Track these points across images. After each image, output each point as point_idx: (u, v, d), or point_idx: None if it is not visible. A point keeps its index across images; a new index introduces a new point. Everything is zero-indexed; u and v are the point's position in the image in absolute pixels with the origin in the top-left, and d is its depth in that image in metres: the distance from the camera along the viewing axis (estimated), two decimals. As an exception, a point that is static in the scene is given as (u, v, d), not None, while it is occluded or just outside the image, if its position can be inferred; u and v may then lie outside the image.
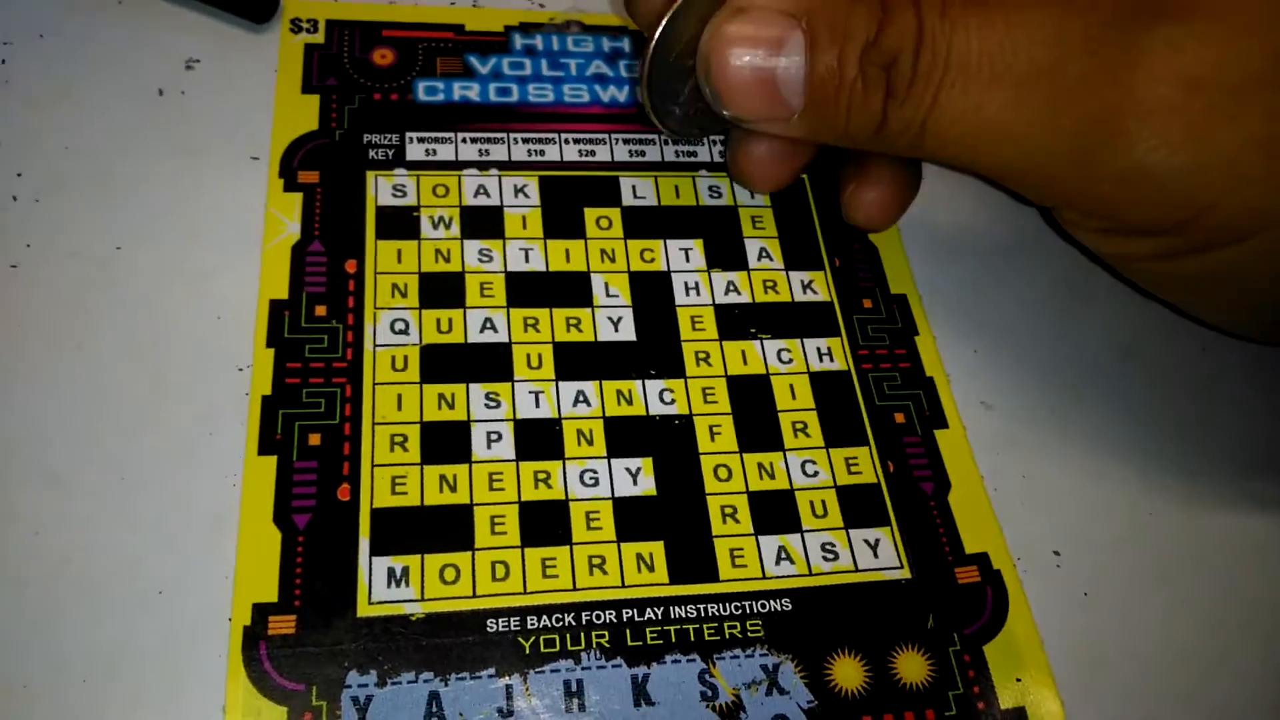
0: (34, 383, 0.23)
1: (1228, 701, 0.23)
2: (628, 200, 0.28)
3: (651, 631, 0.22)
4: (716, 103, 0.24)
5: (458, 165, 0.27)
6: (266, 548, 0.22)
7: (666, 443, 0.24)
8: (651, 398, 0.25)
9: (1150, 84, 0.19)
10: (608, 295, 0.26)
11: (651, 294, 0.26)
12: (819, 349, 0.26)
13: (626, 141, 0.29)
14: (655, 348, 0.25)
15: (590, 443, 0.24)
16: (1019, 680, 0.22)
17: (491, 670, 0.21)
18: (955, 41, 0.21)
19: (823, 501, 0.24)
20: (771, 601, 0.23)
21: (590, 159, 0.28)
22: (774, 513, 0.24)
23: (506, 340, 0.25)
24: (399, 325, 0.25)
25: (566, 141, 0.29)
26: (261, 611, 0.21)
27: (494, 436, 0.24)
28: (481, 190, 0.27)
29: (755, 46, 0.22)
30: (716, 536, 0.23)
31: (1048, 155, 0.21)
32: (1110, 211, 0.22)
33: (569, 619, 0.22)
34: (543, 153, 0.28)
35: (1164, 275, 0.24)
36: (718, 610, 0.22)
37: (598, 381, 0.25)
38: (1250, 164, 0.20)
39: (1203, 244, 0.22)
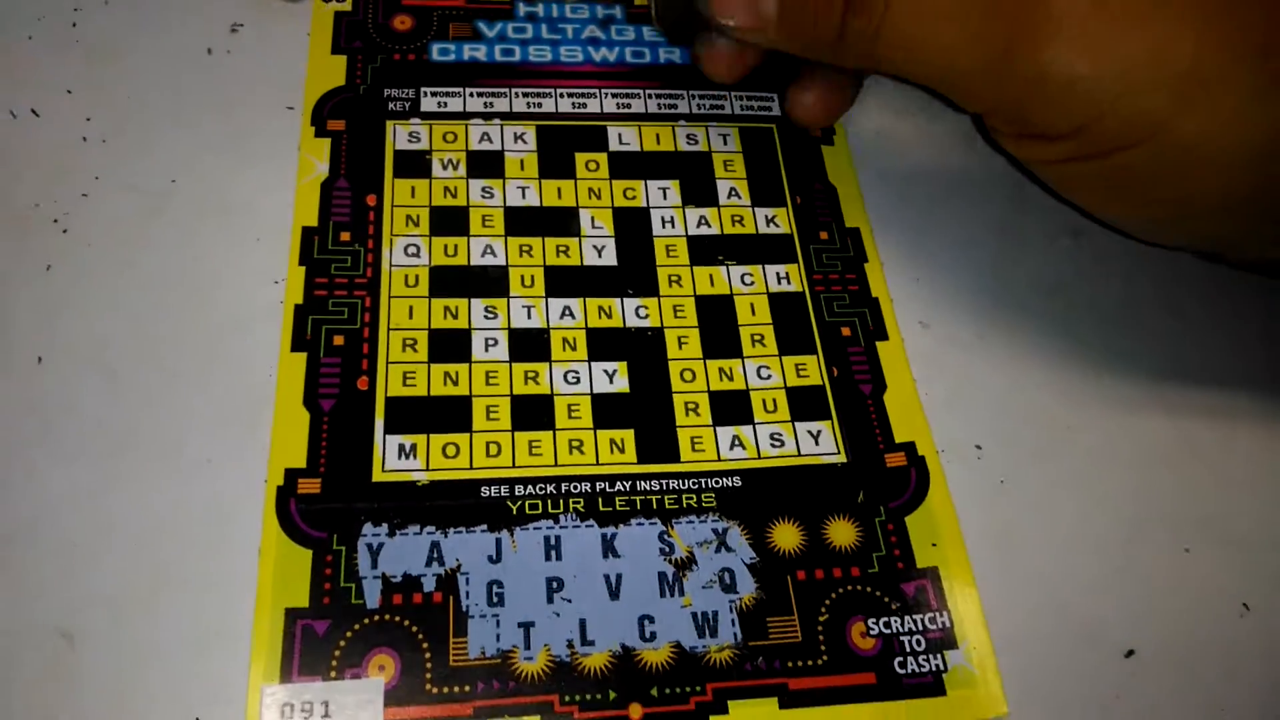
0: (98, 292, 0.27)
1: (1124, 566, 0.27)
2: (614, 146, 0.32)
3: (620, 500, 0.26)
4: (709, 10, 0.28)
5: (465, 116, 0.32)
6: (297, 426, 0.26)
7: (640, 350, 0.28)
8: (628, 313, 0.29)
9: (1064, 1, 0.22)
10: (593, 227, 0.30)
11: (632, 226, 0.30)
12: (778, 273, 0.30)
13: (614, 96, 0.33)
14: (633, 271, 0.29)
15: (574, 349, 0.28)
16: (934, 545, 0.26)
17: (484, 526, 0.25)
18: None
19: (774, 399, 0.28)
20: (724, 479, 0.27)
21: (582, 110, 0.32)
22: (730, 408, 0.28)
23: (504, 263, 0.29)
24: (411, 249, 0.29)
25: (561, 96, 0.33)
26: (292, 475, 0.25)
27: (491, 342, 0.28)
28: (485, 137, 0.31)
29: None
30: (679, 426, 0.27)
31: (976, 62, 0.24)
32: (1022, 114, 0.25)
33: (550, 488, 0.26)
34: (540, 105, 0.32)
35: (1071, 178, 0.27)
36: (678, 485, 0.26)
37: (582, 299, 0.29)
38: (1140, 75, 0.22)
39: (1103, 148, 0.24)
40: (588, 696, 0.23)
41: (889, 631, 0.25)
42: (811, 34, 0.26)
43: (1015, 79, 0.24)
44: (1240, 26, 0.22)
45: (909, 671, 0.24)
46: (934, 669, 0.25)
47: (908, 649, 0.25)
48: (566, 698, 0.23)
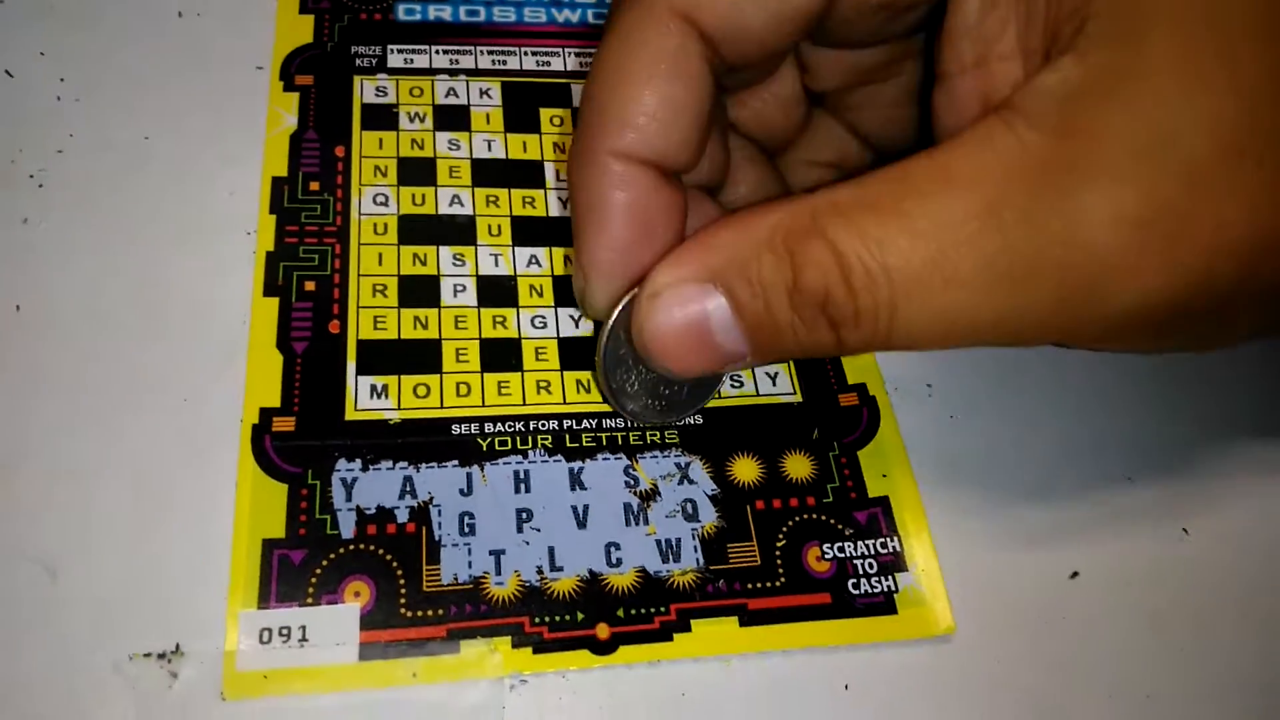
0: (75, 244, 0.28)
1: (1069, 494, 0.28)
2: (577, 103, 0.33)
3: (586, 436, 0.27)
4: (668, 373, 0.23)
5: (431, 72, 0.32)
6: (270, 367, 0.27)
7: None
8: (593, 261, 0.30)
9: (1105, 238, 0.18)
10: (559, 180, 0.31)
11: (595, 178, 0.31)
12: (736, 223, 0.31)
13: (577, 55, 0.34)
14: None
15: (540, 295, 0.29)
16: (885, 476, 0.28)
17: (455, 461, 0.26)
18: (890, 259, 0.19)
19: (733, 342, 0.29)
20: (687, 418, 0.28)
21: (546, 69, 0.33)
22: (692, 350, 0.29)
23: (471, 213, 0.30)
24: (380, 198, 0.30)
25: (526, 54, 0.34)
26: (266, 414, 0.26)
27: (459, 288, 0.29)
28: (452, 92, 0.32)
29: (681, 311, 0.22)
30: (643, 367, 0.28)
31: (1030, 329, 0.20)
32: (1101, 347, 0.21)
33: (519, 426, 0.27)
34: (505, 63, 0.33)
35: (1146, 350, 0.25)
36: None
37: (548, 248, 0.30)
38: (1212, 268, 0.19)
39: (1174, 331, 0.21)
40: (557, 618, 0.24)
41: (843, 555, 0.26)
42: (802, 353, 0.22)
43: (1089, 328, 0.20)
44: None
45: (862, 592, 0.26)
46: (885, 590, 0.26)
47: (860, 571, 0.26)
48: (536, 619, 0.24)
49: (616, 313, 0.23)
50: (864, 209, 0.19)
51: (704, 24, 0.21)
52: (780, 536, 0.26)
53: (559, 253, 0.30)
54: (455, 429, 0.26)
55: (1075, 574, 0.27)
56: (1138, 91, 0.17)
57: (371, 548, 0.24)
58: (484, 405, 0.27)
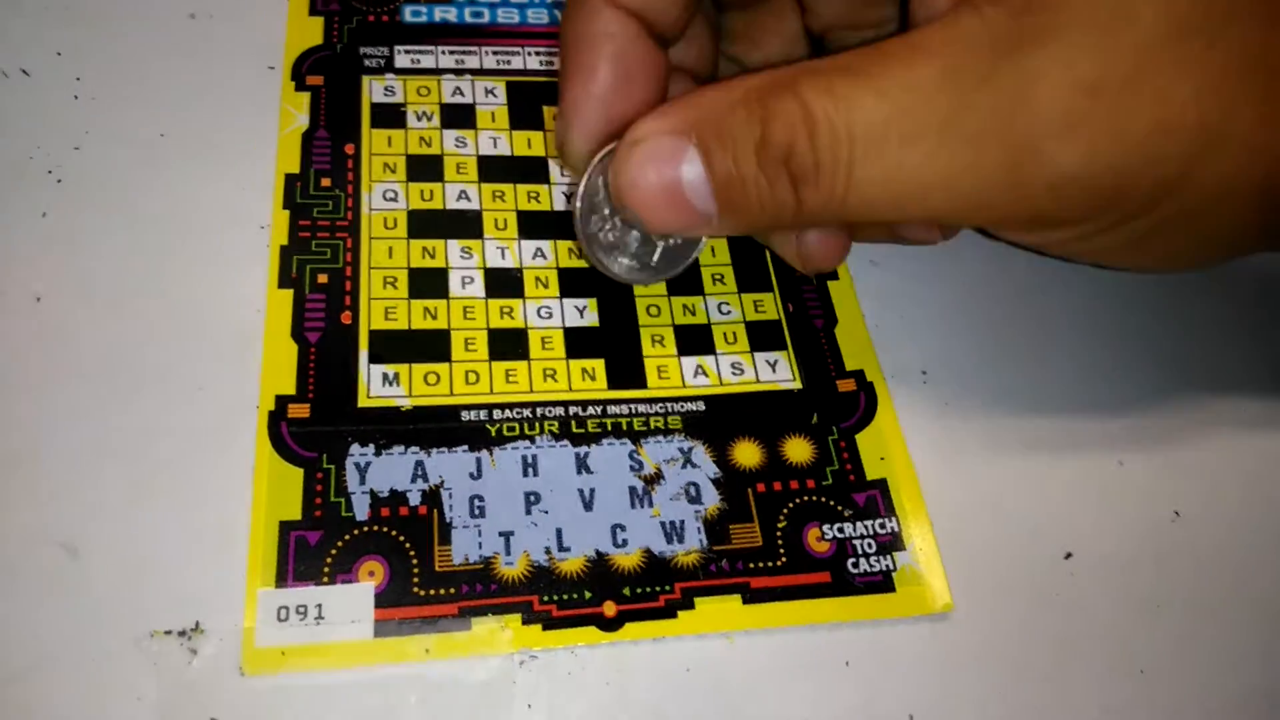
0: (92, 237, 0.29)
1: (1062, 477, 0.29)
2: (580, 101, 0.34)
3: (592, 422, 0.28)
4: (640, 224, 0.24)
5: (438, 72, 0.33)
6: (285, 356, 0.27)
7: (609, 287, 0.30)
8: (597, 254, 0.31)
9: (1055, 100, 0.20)
10: (562, 175, 0.32)
11: (599, 174, 0.32)
12: (736, 217, 0.32)
13: (580, 55, 0.35)
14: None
15: (546, 286, 0.30)
16: (883, 459, 0.28)
17: (465, 446, 0.27)
18: (855, 116, 0.20)
19: (734, 333, 0.30)
20: (689, 404, 0.29)
21: (550, 68, 0.34)
22: (694, 340, 0.30)
23: (478, 208, 0.31)
24: (390, 194, 0.31)
25: (529, 54, 0.34)
26: (282, 401, 0.27)
27: (467, 280, 0.30)
28: (458, 91, 0.33)
29: (657, 167, 0.23)
30: (646, 356, 0.29)
31: (978, 192, 0.21)
32: (1043, 218, 0.22)
33: (526, 412, 0.28)
34: (509, 62, 0.34)
35: (1084, 250, 0.26)
36: (645, 409, 0.28)
37: (554, 240, 0.31)
38: (1151, 149, 0.20)
39: (1120, 221, 0.22)
40: (565, 596, 0.25)
41: (842, 536, 0.27)
42: (764, 219, 0.23)
43: (1033, 191, 0.21)
44: (1238, 66, 0.20)
45: (861, 571, 0.26)
46: (884, 569, 0.27)
47: (859, 551, 0.27)
48: (545, 597, 0.25)
49: (595, 162, 0.25)
50: (838, 71, 0.21)
51: None
52: (781, 518, 0.27)
53: (563, 245, 0.31)
54: (465, 415, 0.27)
55: (1069, 554, 0.28)
56: None
57: (385, 529, 0.25)
58: (492, 393, 0.28)
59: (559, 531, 0.26)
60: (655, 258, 0.27)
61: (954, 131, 0.20)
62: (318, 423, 0.26)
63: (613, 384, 0.28)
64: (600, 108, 0.24)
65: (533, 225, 0.31)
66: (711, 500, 0.27)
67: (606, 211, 0.26)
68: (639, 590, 0.25)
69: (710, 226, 0.24)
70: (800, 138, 0.21)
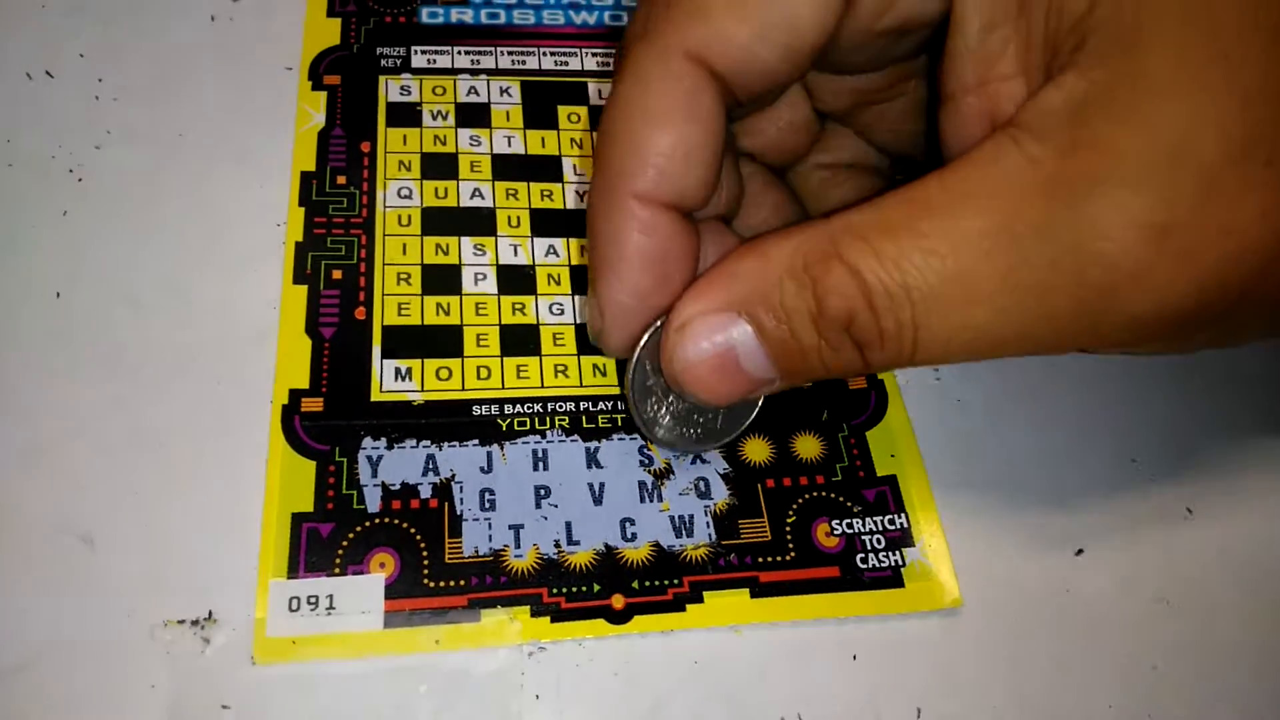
0: (112, 235, 0.29)
1: (1074, 474, 0.29)
2: (594, 100, 0.34)
3: (603, 418, 0.28)
4: (699, 401, 0.23)
5: (453, 71, 0.34)
6: (299, 351, 0.28)
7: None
8: (609, 251, 0.31)
9: (1121, 250, 0.18)
10: (575, 174, 0.32)
11: (611, 173, 0.32)
12: (748, 215, 0.32)
13: (594, 55, 0.35)
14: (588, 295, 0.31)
15: (558, 283, 0.30)
16: (893, 456, 0.28)
17: (476, 441, 0.27)
18: (910, 279, 0.19)
19: (745, 328, 0.30)
20: (700, 399, 0.29)
21: (564, 68, 0.35)
22: (705, 336, 0.30)
23: (491, 205, 0.31)
24: (404, 191, 0.31)
25: (544, 54, 0.35)
26: (296, 395, 0.27)
27: (480, 276, 0.30)
28: (473, 91, 0.33)
29: (708, 347, 0.22)
30: (657, 352, 0.29)
31: (1052, 337, 0.20)
32: (1119, 346, 0.21)
33: (537, 407, 0.28)
34: (524, 62, 0.34)
35: (1156, 353, 0.25)
36: (656, 404, 0.28)
37: (566, 239, 0.31)
38: (1227, 272, 0.19)
39: (1195, 333, 0.21)
40: (574, 589, 0.25)
41: (851, 531, 0.27)
42: (829, 375, 0.22)
43: (1094, 335, 0.20)
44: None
45: (870, 566, 0.26)
46: (893, 564, 0.27)
47: (868, 546, 0.27)
48: (554, 590, 0.25)
49: (640, 347, 0.24)
50: (880, 231, 0.20)
51: (716, 64, 0.21)
52: (790, 513, 0.27)
53: (575, 243, 0.31)
54: (476, 410, 0.27)
55: (1080, 551, 0.28)
56: (1141, 101, 0.18)
57: (396, 521, 0.25)
58: (504, 388, 0.28)
59: (568, 525, 0.26)
60: (719, 422, 0.26)
61: (1017, 287, 0.19)
62: (331, 416, 0.27)
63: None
64: (639, 308, 0.23)
65: (545, 223, 0.31)
66: (721, 495, 0.27)
67: (660, 394, 0.25)
68: (648, 583, 0.25)
69: (770, 389, 0.23)
70: (859, 307, 0.20)
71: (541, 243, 0.31)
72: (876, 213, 0.20)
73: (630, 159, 0.22)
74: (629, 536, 0.26)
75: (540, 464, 0.27)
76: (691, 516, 0.26)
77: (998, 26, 0.20)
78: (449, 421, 0.27)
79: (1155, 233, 0.18)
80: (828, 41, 0.21)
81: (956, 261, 0.19)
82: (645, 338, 0.24)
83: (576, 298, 0.30)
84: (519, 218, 0.31)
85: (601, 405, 0.28)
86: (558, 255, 0.30)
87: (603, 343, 0.24)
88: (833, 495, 0.27)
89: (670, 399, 0.25)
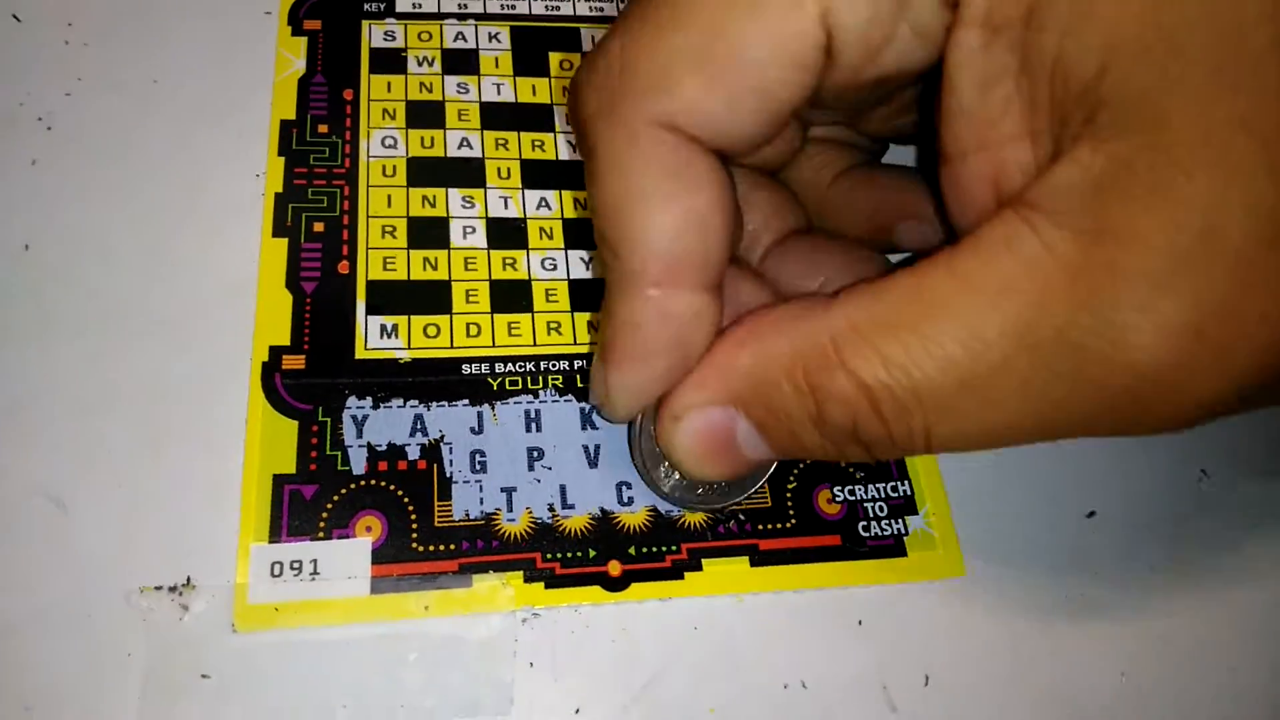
0: (83, 185, 0.28)
1: (1086, 445, 0.28)
2: (587, 47, 0.32)
3: (597, 377, 0.27)
4: (703, 478, 0.23)
5: (440, 16, 0.32)
6: (280, 306, 0.26)
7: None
8: (603, 205, 0.30)
9: (1153, 355, 0.17)
10: (568, 124, 0.31)
11: (605, 123, 0.31)
12: (748, 167, 0.31)
13: (586, 0, 0.33)
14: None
15: (550, 237, 0.29)
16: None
17: (466, 400, 0.26)
18: (920, 385, 0.18)
19: (745, 285, 0.29)
20: (698, 358, 0.28)
21: (555, 13, 0.33)
22: (703, 293, 0.29)
23: (480, 156, 0.30)
24: (389, 141, 0.30)
25: (535, -1, 0.33)
26: (276, 352, 0.26)
27: (469, 230, 0.29)
28: (460, 36, 0.32)
29: (706, 437, 0.21)
30: (654, 309, 0.28)
31: (1075, 434, 0.19)
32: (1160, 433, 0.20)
33: (530, 366, 0.27)
34: (514, 7, 0.33)
35: None
36: (653, 363, 0.27)
37: (558, 191, 0.30)
38: (1266, 359, 0.17)
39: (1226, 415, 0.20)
40: (569, 554, 0.24)
41: (853, 498, 0.26)
42: (823, 457, 0.21)
43: (1124, 430, 0.19)
44: None
45: (872, 534, 0.26)
46: (895, 532, 0.26)
47: (871, 514, 0.26)
48: (548, 555, 0.24)
49: (643, 416, 0.23)
50: (884, 331, 0.18)
51: (687, 130, 0.19)
52: (791, 479, 0.26)
53: (569, 195, 0.29)
54: (466, 369, 0.26)
55: (1092, 513, 0.27)
56: (1165, 180, 0.16)
57: (383, 484, 0.24)
58: (494, 346, 0.27)
59: (563, 488, 0.25)
60: (729, 484, 0.25)
61: (1038, 394, 0.18)
62: (313, 374, 0.25)
63: (619, 338, 0.27)
64: (650, 390, 0.22)
65: (537, 174, 0.30)
66: (720, 457, 0.26)
67: (668, 463, 0.23)
68: (645, 550, 0.24)
69: (774, 462, 0.22)
70: (864, 415, 0.19)
71: (533, 195, 0.29)
72: (878, 307, 0.18)
73: (639, 250, 0.20)
74: (625, 501, 0.25)
75: (533, 425, 0.26)
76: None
77: (995, 84, 0.18)
78: (437, 380, 0.26)
79: (1189, 336, 0.16)
80: (804, 102, 0.20)
81: (970, 367, 0.17)
82: (648, 410, 0.23)
83: (569, 252, 0.28)
84: (509, 169, 0.30)
85: (596, 364, 0.27)
86: (550, 208, 0.29)
87: (605, 413, 0.23)
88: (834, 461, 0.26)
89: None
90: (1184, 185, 0.16)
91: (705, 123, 0.19)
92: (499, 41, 0.32)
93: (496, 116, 0.30)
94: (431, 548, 0.24)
